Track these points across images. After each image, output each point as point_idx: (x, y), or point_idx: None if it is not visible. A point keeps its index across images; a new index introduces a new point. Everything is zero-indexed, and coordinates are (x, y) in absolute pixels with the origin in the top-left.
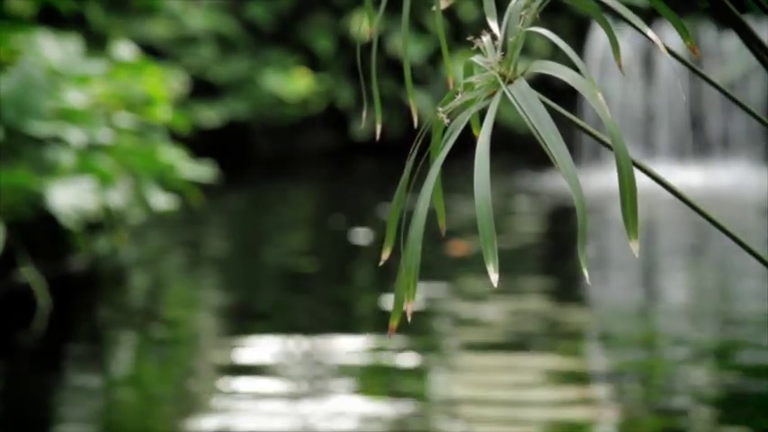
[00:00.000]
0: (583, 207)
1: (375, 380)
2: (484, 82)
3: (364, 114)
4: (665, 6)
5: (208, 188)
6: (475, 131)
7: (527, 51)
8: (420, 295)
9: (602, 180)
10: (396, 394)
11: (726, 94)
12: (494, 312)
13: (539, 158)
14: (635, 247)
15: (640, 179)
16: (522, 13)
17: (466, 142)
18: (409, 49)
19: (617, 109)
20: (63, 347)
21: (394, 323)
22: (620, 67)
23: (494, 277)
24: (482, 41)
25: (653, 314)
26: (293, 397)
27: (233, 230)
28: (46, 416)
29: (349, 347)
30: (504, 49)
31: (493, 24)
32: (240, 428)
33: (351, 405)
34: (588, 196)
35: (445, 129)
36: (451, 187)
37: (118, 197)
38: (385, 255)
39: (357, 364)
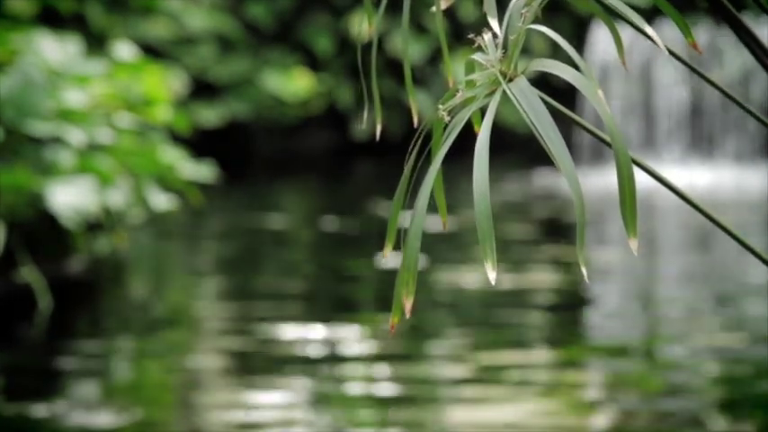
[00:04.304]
0: (582, 206)
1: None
2: (484, 80)
3: (365, 114)
4: (667, 3)
5: (208, 188)
6: (476, 127)
7: (528, 51)
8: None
9: (602, 180)
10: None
11: (725, 93)
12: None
13: (532, 158)
14: (634, 245)
15: (641, 178)
16: (523, 11)
17: (465, 146)
18: (409, 49)
19: (618, 109)
20: (63, 347)
21: (394, 320)
22: (624, 64)
23: (491, 275)
24: (483, 39)
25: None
26: (293, 399)
27: (233, 231)
28: (46, 415)
29: (351, 336)
30: (505, 47)
31: (493, 22)
32: (239, 427)
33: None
34: (588, 197)
35: (445, 127)
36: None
37: (118, 197)
38: (386, 252)
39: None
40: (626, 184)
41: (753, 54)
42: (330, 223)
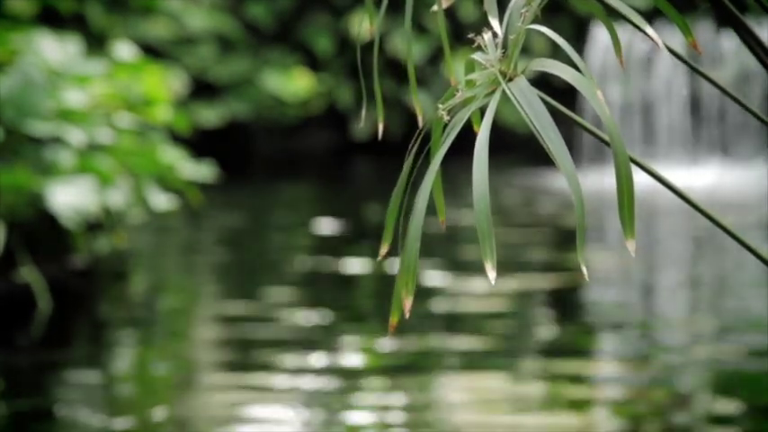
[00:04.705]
0: (582, 205)
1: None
2: (484, 79)
3: (363, 114)
4: (667, 3)
5: (208, 188)
6: (475, 127)
7: (527, 52)
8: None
9: (602, 180)
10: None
11: (726, 92)
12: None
13: (532, 158)
14: (631, 246)
15: (640, 179)
16: (523, 11)
17: (465, 146)
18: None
19: (617, 110)
20: (63, 347)
21: (394, 320)
22: (622, 63)
23: (491, 275)
24: (483, 39)
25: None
26: (294, 400)
27: (233, 230)
28: (45, 415)
29: (350, 345)
30: (505, 47)
31: (493, 22)
32: (240, 424)
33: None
34: (588, 197)
35: (445, 126)
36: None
37: (118, 197)
38: (382, 252)
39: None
40: (624, 184)
41: (754, 54)
42: (329, 223)
